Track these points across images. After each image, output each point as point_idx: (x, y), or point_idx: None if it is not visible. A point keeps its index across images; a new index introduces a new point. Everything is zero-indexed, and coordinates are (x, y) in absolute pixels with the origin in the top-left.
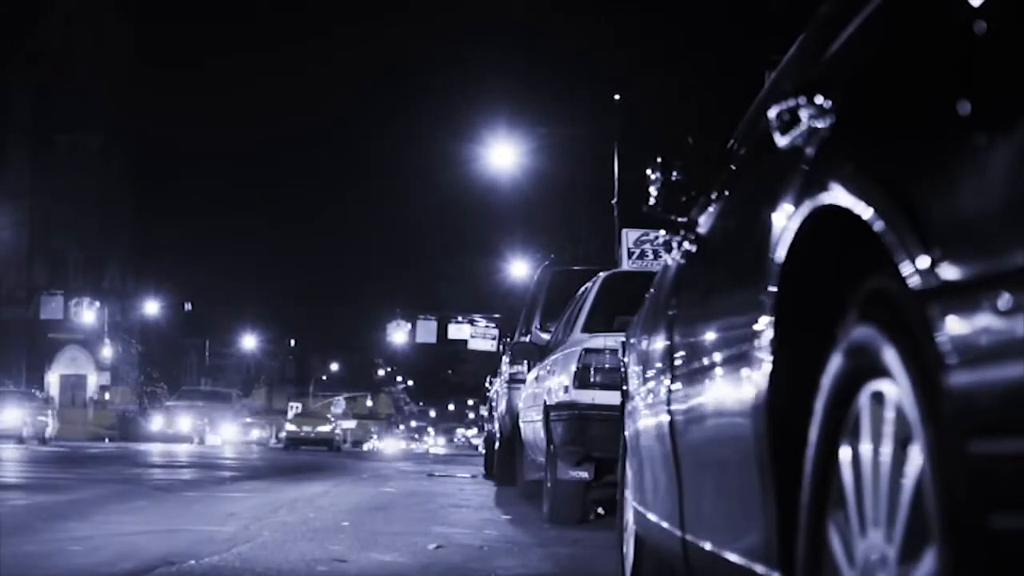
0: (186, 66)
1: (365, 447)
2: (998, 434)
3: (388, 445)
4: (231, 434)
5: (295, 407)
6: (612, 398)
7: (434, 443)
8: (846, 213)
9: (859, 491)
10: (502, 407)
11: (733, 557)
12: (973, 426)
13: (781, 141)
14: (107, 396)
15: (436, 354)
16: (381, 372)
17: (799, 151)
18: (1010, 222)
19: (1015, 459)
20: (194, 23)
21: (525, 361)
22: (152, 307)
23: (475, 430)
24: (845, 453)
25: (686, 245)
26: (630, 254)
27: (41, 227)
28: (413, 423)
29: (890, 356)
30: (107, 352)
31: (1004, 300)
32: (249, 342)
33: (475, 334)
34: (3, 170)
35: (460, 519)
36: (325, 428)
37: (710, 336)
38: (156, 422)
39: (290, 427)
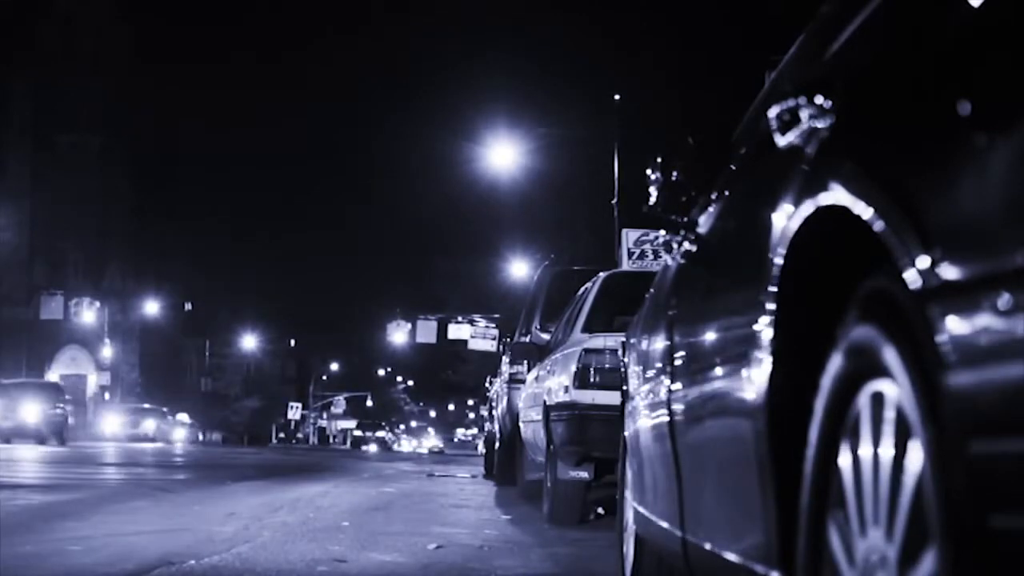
0: (186, 65)
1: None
2: (998, 434)
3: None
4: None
5: (295, 407)
6: (612, 398)
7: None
8: (846, 213)
9: (859, 491)
10: (502, 407)
11: (733, 557)
12: (973, 426)
13: (781, 141)
14: (107, 396)
15: (436, 354)
16: (381, 372)
17: (799, 151)
18: (1010, 222)
19: (1015, 459)
20: (194, 23)
21: (525, 361)
22: (152, 307)
23: (475, 430)
24: (845, 453)
25: (686, 245)
26: (630, 254)
27: (41, 227)
28: (413, 423)
29: (890, 356)
30: (107, 352)
31: (1004, 300)
32: (249, 342)
33: (475, 334)
34: (3, 170)
35: (460, 519)
36: (381, 433)
37: (710, 336)
38: None
39: (356, 432)
